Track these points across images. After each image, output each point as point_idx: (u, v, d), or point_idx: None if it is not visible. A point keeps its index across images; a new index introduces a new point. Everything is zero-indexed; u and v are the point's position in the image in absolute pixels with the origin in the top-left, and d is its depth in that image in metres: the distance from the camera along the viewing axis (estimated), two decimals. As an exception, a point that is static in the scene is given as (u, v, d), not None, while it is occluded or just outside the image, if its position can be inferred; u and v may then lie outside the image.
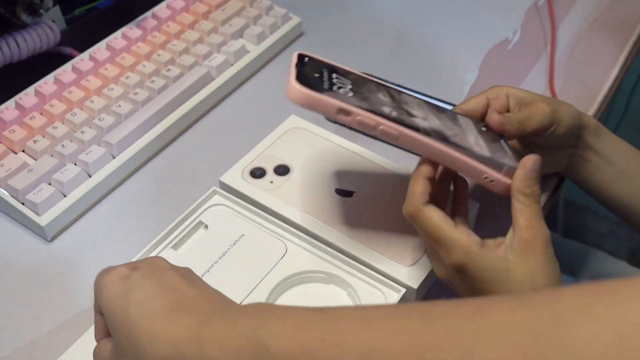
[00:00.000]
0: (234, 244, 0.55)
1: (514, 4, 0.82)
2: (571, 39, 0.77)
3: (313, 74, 0.47)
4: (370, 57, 0.76)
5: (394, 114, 0.46)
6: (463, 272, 0.45)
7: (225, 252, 0.54)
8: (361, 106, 0.45)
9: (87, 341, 0.50)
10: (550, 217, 0.62)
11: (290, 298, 0.52)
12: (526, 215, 0.45)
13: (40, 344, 0.51)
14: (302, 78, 0.45)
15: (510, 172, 0.47)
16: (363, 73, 0.51)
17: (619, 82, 0.75)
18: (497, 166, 0.47)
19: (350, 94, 0.46)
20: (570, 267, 0.91)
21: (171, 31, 0.72)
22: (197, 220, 0.56)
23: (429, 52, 0.76)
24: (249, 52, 0.73)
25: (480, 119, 0.52)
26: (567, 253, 0.92)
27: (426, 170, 0.47)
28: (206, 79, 0.69)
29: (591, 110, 0.70)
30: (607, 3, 0.83)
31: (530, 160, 0.46)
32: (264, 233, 0.55)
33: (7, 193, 0.59)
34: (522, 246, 0.44)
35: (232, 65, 0.72)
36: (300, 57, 0.49)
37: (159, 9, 0.74)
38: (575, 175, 0.59)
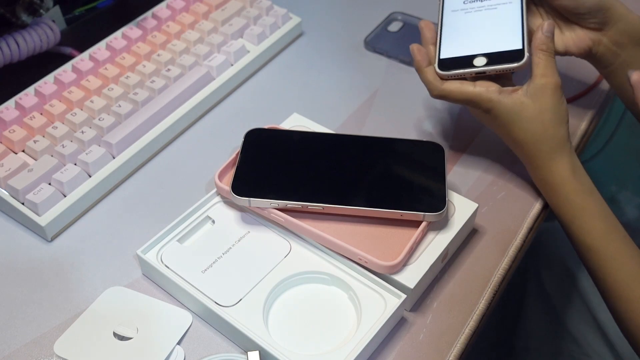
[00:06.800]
0: (239, 240, 0.55)
1: (513, 4, 0.82)
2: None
3: (254, 167, 0.56)
4: (370, 57, 0.76)
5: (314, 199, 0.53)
6: (490, 114, 0.58)
7: (230, 247, 0.54)
8: (281, 203, 0.53)
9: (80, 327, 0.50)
10: (548, 218, 0.63)
11: (291, 297, 0.52)
12: (542, 66, 0.56)
13: (40, 344, 0.51)
14: (237, 185, 0.54)
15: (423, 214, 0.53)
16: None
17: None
18: (409, 207, 0.53)
19: (283, 180, 0.55)
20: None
21: (171, 31, 0.72)
22: (205, 215, 0.56)
23: (429, 52, 0.76)
24: (249, 52, 0.73)
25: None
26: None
27: (423, 56, 0.60)
28: (206, 79, 0.69)
29: (589, 112, 0.70)
30: None
31: (546, 24, 0.57)
32: (269, 231, 0.56)
33: (7, 193, 0.59)
34: (535, 90, 0.56)
35: (232, 65, 0.72)
36: (248, 135, 0.58)
37: (159, 9, 0.74)
38: (602, 68, 0.64)
